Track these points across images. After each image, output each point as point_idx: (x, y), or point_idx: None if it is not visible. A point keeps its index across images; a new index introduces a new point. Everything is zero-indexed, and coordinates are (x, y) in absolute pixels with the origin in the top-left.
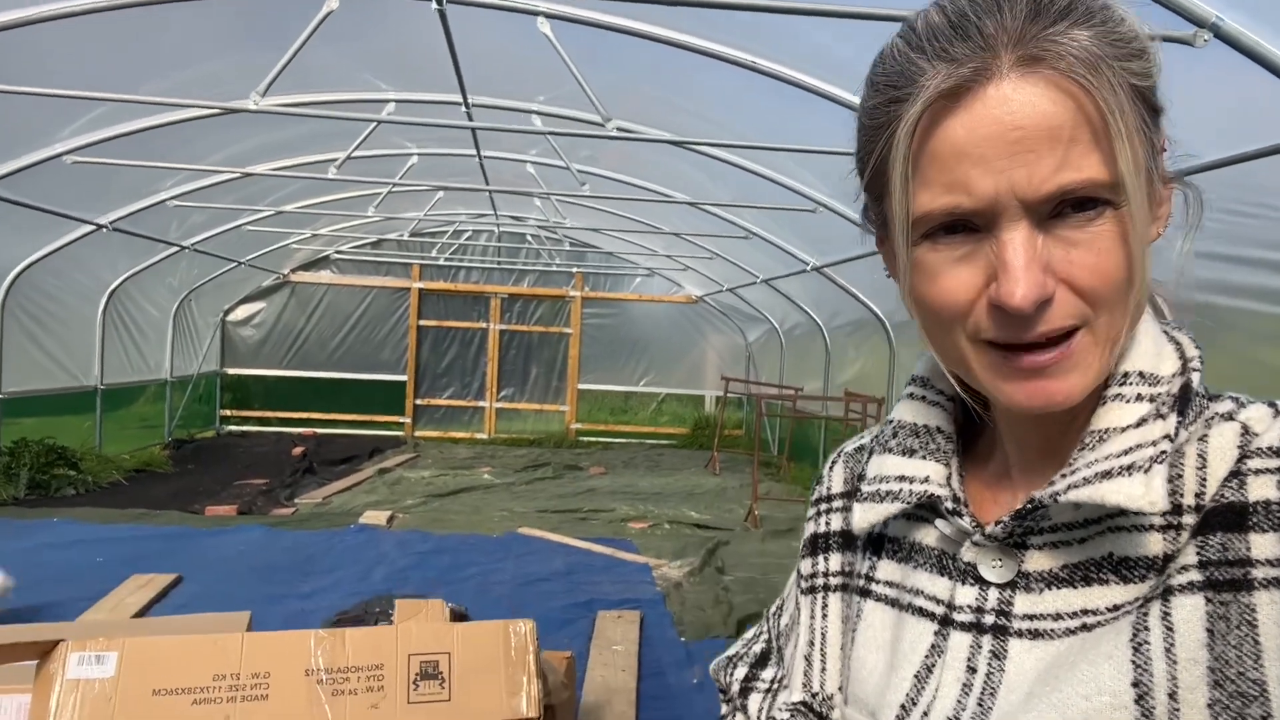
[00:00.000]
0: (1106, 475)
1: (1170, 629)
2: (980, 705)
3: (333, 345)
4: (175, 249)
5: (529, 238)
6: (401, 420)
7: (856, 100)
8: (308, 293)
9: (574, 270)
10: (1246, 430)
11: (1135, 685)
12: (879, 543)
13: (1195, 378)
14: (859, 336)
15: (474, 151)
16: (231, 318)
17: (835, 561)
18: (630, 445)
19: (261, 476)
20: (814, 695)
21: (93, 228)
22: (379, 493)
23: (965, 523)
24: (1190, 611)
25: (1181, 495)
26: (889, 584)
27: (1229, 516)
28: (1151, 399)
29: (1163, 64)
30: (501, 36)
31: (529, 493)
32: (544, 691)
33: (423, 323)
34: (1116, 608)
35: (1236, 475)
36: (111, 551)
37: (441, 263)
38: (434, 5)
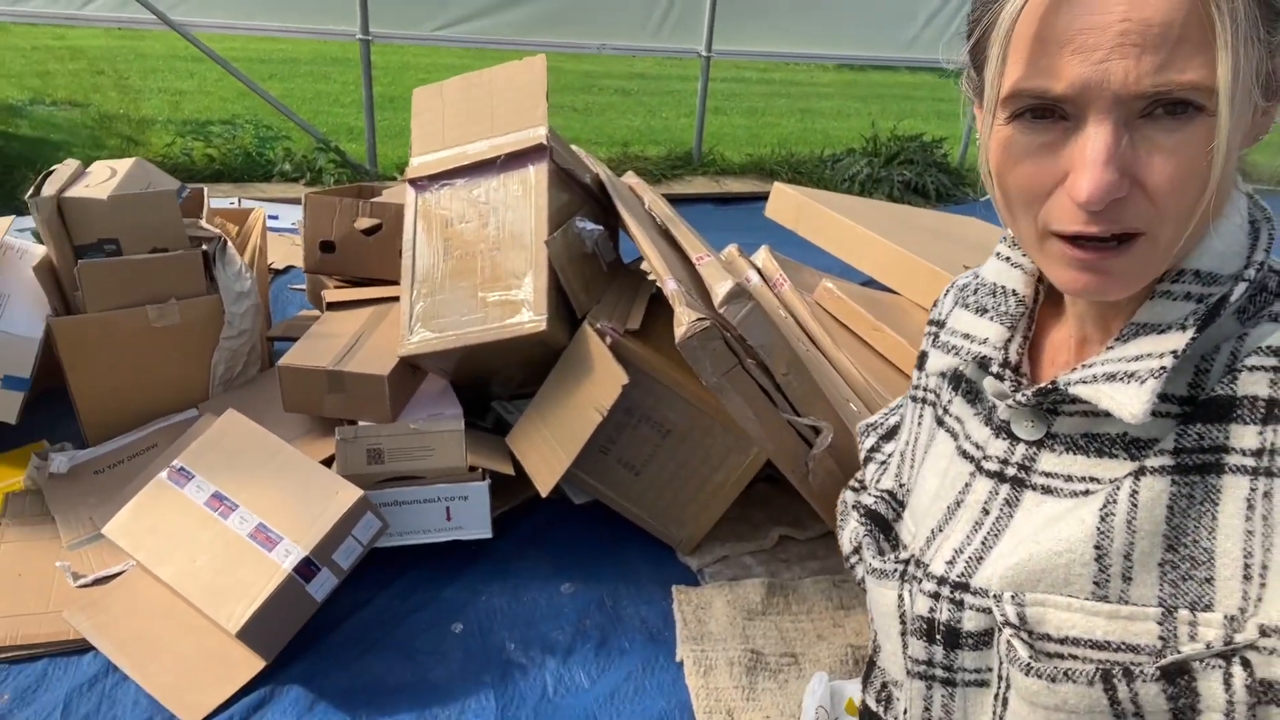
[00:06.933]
0: (1111, 378)
1: (1135, 505)
2: (983, 543)
3: None
4: None
5: None
6: None
7: None
8: None
9: None
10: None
11: (1097, 548)
12: (958, 380)
13: (1240, 288)
14: None
15: None
16: None
17: (934, 380)
18: None
19: None
20: (900, 486)
21: None
22: None
23: (1006, 386)
24: (1157, 493)
25: (1203, 389)
26: (957, 419)
27: (1214, 409)
28: (1200, 299)
29: None
30: None
31: None
32: None
33: None
34: (1116, 479)
35: (1231, 370)
36: None
37: None
38: None
